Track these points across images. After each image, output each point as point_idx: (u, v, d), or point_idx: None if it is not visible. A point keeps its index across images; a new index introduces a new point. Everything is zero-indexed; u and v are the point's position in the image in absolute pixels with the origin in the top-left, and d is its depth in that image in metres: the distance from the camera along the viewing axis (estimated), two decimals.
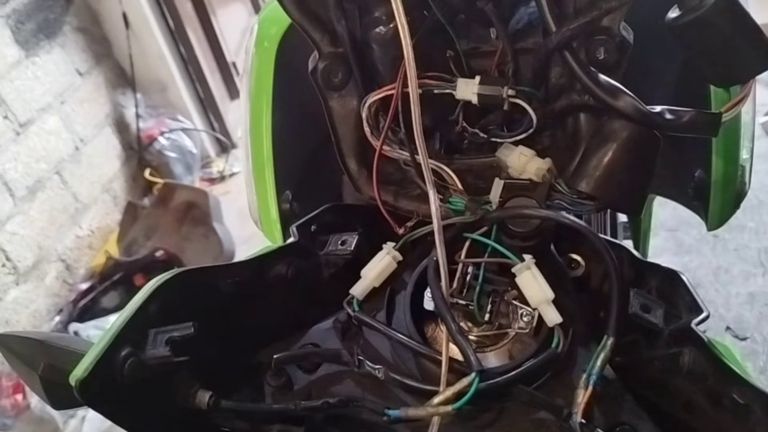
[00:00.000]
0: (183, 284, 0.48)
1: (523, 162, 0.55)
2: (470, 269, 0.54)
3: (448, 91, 0.57)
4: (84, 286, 2.52)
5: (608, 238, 0.61)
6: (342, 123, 0.62)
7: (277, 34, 0.77)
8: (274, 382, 0.54)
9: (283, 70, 0.78)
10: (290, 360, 0.54)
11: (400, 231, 0.59)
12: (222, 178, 3.22)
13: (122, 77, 3.03)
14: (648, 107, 0.51)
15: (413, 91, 0.50)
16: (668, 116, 0.51)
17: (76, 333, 2.30)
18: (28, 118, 2.47)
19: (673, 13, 0.49)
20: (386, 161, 0.61)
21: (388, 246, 0.58)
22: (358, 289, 0.56)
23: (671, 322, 0.50)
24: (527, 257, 0.52)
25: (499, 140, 0.58)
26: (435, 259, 0.51)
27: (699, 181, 0.66)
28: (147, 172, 2.94)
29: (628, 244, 0.71)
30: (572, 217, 0.52)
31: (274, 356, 0.52)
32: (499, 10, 0.56)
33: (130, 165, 3.01)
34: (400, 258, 0.58)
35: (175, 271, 0.48)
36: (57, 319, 2.41)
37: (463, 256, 0.53)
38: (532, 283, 0.51)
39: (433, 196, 0.51)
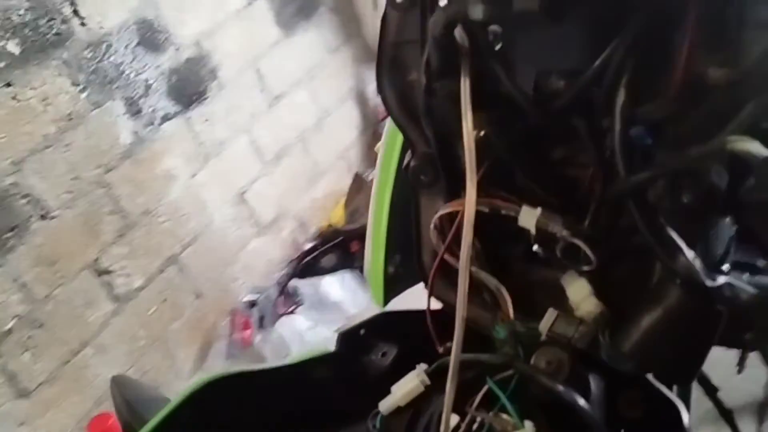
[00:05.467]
0: (221, 388, 0.54)
1: (579, 297, 0.52)
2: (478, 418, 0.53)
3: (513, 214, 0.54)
4: (309, 245, 2.83)
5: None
6: (424, 220, 0.63)
7: None
8: None
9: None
10: None
11: (441, 349, 0.58)
12: None
13: (368, 54, 3.25)
14: (710, 276, 0.44)
15: (468, 210, 0.51)
16: (728, 293, 0.43)
17: (295, 289, 2.62)
18: (281, 91, 2.81)
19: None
20: None
21: (420, 369, 0.59)
22: (385, 405, 0.58)
23: None
24: (528, 426, 0.50)
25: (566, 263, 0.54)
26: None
27: None
28: (377, 146, 3.14)
29: None
30: (576, 398, 0.50)
31: None
32: (595, 129, 0.51)
33: (365, 136, 3.25)
34: (428, 383, 0.58)
35: (214, 375, 0.54)
36: (284, 271, 2.75)
37: (476, 403, 0.53)
38: None
39: (459, 328, 0.50)
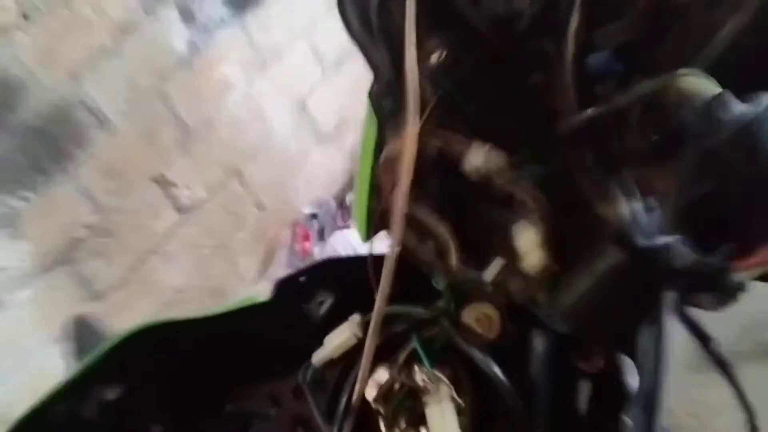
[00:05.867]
0: (149, 339, 0.52)
1: (527, 248, 0.47)
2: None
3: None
4: None
5: None
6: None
7: None
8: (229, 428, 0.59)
9: None
10: (237, 417, 0.57)
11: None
12: None
13: None
14: (646, 234, 0.39)
15: (408, 146, 0.48)
16: (664, 252, 0.38)
17: (350, 203, 2.61)
18: None
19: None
20: None
21: (353, 320, 0.57)
22: (317, 357, 0.57)
23: None
24: (443, 388, 0.49)
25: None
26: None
27: None
28: None
29: None
30: (489, 363, 0.51)
31: (225, 410, 0.56)
32: (561, 50, 0.44)
33: None
34: (360, 335, 0.56)
35: (141, 325, 0.51)
36: (345, 184, 2.73)
37: (401, 359, 0.53)
38: (438, 419, 0.49)
39: (386, 277, 0.48)
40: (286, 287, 0.64)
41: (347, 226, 2.59)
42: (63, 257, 1.91)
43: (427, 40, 0.47)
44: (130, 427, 0.59)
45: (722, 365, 0.54)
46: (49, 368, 1.90)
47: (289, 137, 2.56)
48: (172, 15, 2.12)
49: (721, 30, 0.37)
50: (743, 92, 0.37)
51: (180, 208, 2.23)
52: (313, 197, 2.68)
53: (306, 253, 2.53)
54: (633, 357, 0.53)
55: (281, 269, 2.55)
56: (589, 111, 0.41)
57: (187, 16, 2.16)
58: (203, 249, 2.33)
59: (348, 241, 2.48)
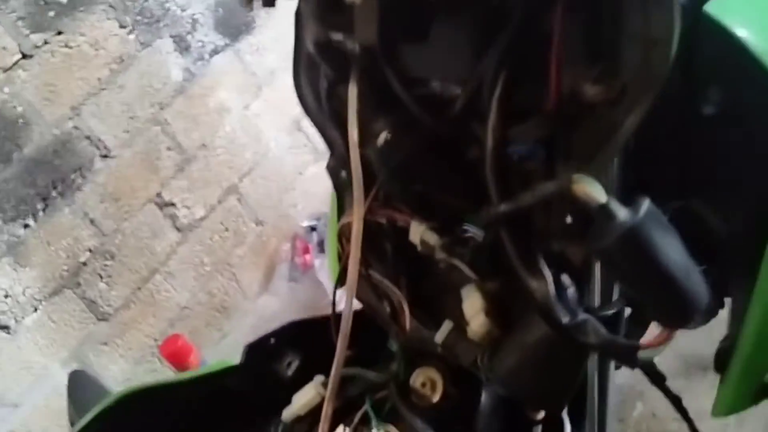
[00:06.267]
0: (134, 402, 0.58)
1: (471, 312, 0.51)
2: None
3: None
4: None
5: None
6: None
7: None
8: None
9: None
10: None
11: None
12: None
13: None
14: (569, 310, 0.42)
15: (356, 222, 0.50)
16: (582, 328, 0.41)
17: None
18: None
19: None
20: None
21: (317, 380, 0.61)
22: (286, 414, 0.61)
23: None
24: None
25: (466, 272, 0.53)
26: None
27: (721, 350, 0.49)
28: None
29: None
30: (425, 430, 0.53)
31: None
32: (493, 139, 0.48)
33: None
34: (324, 394, 0.59)
35: (126, 391, 0.58)
36: None
37: (355, 421, 0.57)
38: None
39: (341, 344, 0.51)
40: (256, 350, 0.68)
41: None
42: (68, 281, 2.01)
43: (374, 122, 0.51)
44: None
45: (656, 378, 0.59)
46: (63, 388, 2.01)
47: (284, 154, 2.65)
48: (167, 45, 2.21)
49: (622, 127, 0.39)
50: (644, 187, 0.40)
51: (180, 228, 2.32)
52: (311, 211, 2.76)
53: (307, 265, 2.61)
54: (576, 410, 0.56)
55: (283, 283, 2.63)
56: (502, 207, 0.45)
57: (182, 45, 2.26)
58: (204, 266, 2.42)
59: None
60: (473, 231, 0.52)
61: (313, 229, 2.71)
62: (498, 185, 0.45)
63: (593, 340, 0.42)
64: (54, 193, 1.96)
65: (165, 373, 2.29)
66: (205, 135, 2.36)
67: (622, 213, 0.38)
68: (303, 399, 0.62)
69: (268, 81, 2.54)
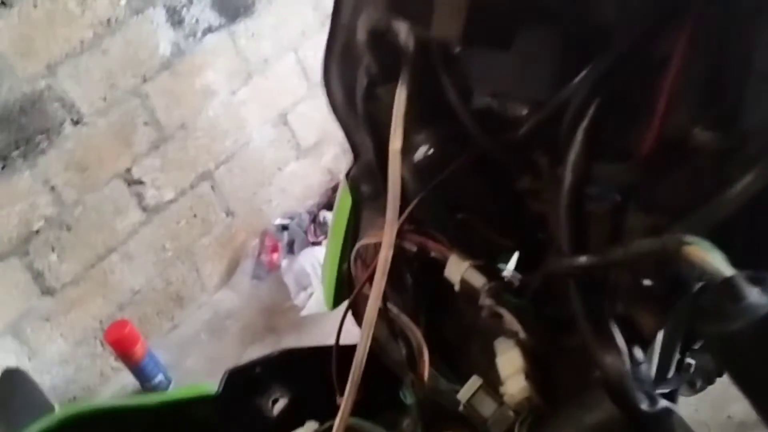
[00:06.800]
0: (89, 423, 0.49)
1: (508, 371, 0.43)
2: None
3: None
4: None
5: None
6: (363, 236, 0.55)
7: None
8: None
9: None
10: None
11: (339, 401, 0.51)
12: None
13: None
14: (646, 394, 0.35)
15: (385, 246, 0.44)
16: (664, 421, 0.34)
17: (327, 219, 2.58)
18: None
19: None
20: None
21: (309, 427, 0.54)
22: None
23: None
24: None
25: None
26: None
27: None
28: None
29: None
30: None
31: None
32: (555, 168, 0.41)
33: None
34: None
35: (82, 408, 0.49)
36: (318, 199, 2.71)
37: None
38: None
39: (350, 391, 0.44)
40: (238, 378, 0.60)
41: (318, 243, 2.56)
42: (16, 248, 1.87)
43: (415, 133, 0.44)
44: None
45: None
46: None
47: (266, 147, 2.54)
48: (159, 16, 2.10)
49: (735, 185, 0.32)
50: (745, 266, 0.32)
51: (145, 208, 2.20)
52: (286, 209, 2.66)
53: (273, 264, 2.50)
54: None
55: (245, 279, 2.52)
56: (582, 260, 0.37)
57: (175, 18, 2.14)
58: (166, 252, 2.30)
59: (317, 259, 2.45)
60: (511, 274, 0.45)
61: (284, 228, 2.61)
62: (572, 232, 0.38)
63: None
64: (15, 154, 1.83)
65: (106, 360, 2.16)
66: (186, 115, 2.24)
67: (754, 294, 0.30)
68: None
69: (260, 69, 2.43)
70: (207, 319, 2.41)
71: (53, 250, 1.97)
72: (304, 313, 2.24)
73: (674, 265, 0.33)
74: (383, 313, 0.51)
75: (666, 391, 0.43)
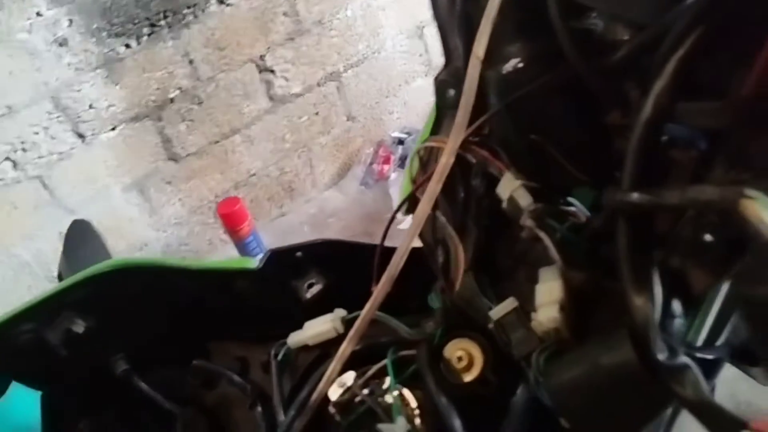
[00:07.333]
0: (131, 277, 0.52)
1: (543, 299, 0.42)
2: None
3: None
4: None
5: None
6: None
7: None
8: (194, 380, 0.60)
9: None
10: (204, 371, 0.58)
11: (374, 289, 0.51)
12: None
13: None
14: (668, 346, 0.33)
15: (447, 151, 0.44)
16: (680, 376, 0.33)
17: None
18: None
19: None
20: None
21: (337, 313, 0.55)
22: (293, 339, 0.56)
23: None
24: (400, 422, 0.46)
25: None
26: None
27: None
28: None
29: None
30: (448, 409, 0.47)
31: (194, 362, 0.56)
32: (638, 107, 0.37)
33: None
34: (341, 331, 0.55)
35: (126, 261, 0.52)
36: None
37: (369, 373, 0.51)
38: None
39: (384, 283, 0.44)
40: (279, 259, 0.62)
41: None
42: (151, 112, 2.02)
43: (508, 44, 0.42)
44: (92, 362, 0.58)
45: None
46: (122, 209, 2.07)
47: (396, 58, 2.52)
48: None
49: None
50: None
51: (272, 97, 2.28)
52: (405, 123, 2.66)
53: (382, 174, 2.54)
54: None
55: (354, 184, 2.58)
56: (635, 196, 0.35)
57: None
58: (285, 143, 2.39)
59: None
60: (577, 209, 0.42)
61: (401, 142, 2.62)
62: (637, 167, 0.34)
63: (690, 395, 0.33)
64: (162, 23, 1.94)
65: (216, 230, 2.33)
66: (324, 12, 2.26)
67: None
68: (316, 329, 0.56)
69: None
70: (312, 213, 2.52)
71: (183, 120, 2.10)
72: (401, 226, 2.27)
73: (735, 220, 0.30)
74: (431, 217, 0.51)
75: (709, 357, 0.39)
